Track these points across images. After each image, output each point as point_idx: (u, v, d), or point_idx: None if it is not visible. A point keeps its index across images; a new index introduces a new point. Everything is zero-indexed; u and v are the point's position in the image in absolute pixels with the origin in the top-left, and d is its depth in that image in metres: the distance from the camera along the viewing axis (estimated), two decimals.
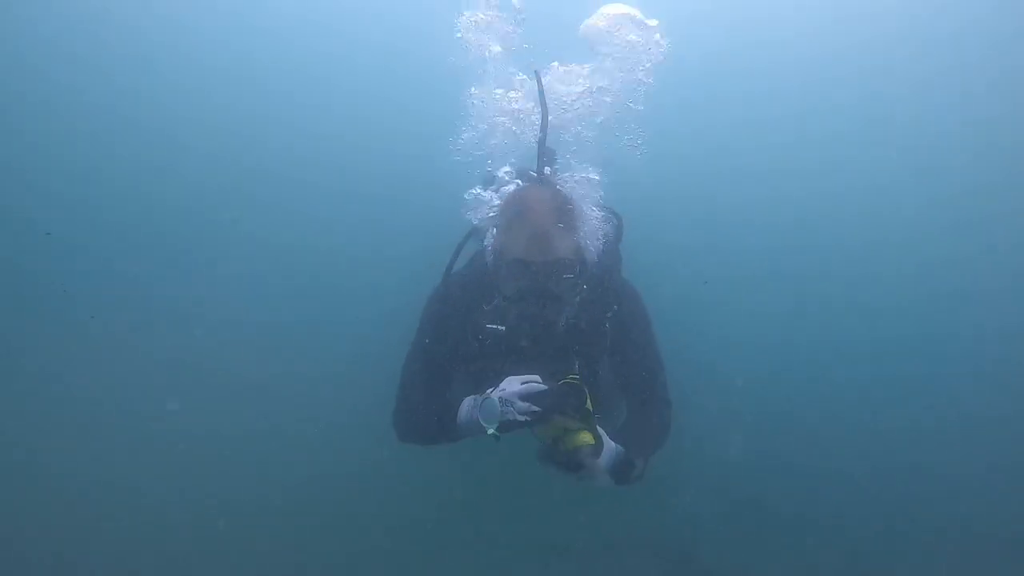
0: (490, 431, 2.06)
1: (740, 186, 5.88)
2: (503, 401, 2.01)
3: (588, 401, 2.09)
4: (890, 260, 5.80)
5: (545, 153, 2.63)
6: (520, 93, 3.26)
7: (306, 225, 5.94)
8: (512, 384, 2.06)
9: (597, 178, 3.17)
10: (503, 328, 2.26)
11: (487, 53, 3.30)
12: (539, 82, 2.61)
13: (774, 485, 4.88)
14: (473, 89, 3.30)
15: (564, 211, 2.25)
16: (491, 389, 2.08)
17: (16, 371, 5.02)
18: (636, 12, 3.30)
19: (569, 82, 3.22)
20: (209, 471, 4.56)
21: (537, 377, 2.08)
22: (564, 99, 3.15)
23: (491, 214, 2.56)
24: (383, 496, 4.35)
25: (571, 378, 2.11)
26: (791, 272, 5.65)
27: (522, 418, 2.00)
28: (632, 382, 2.45)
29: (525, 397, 2.01)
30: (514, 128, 3.24)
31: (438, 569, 4.14)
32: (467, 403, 2.24)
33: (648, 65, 3.29)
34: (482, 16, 3.31)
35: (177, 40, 5.89)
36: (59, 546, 4.15)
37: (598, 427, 2.14)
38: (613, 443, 2.19)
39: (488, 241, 2.48)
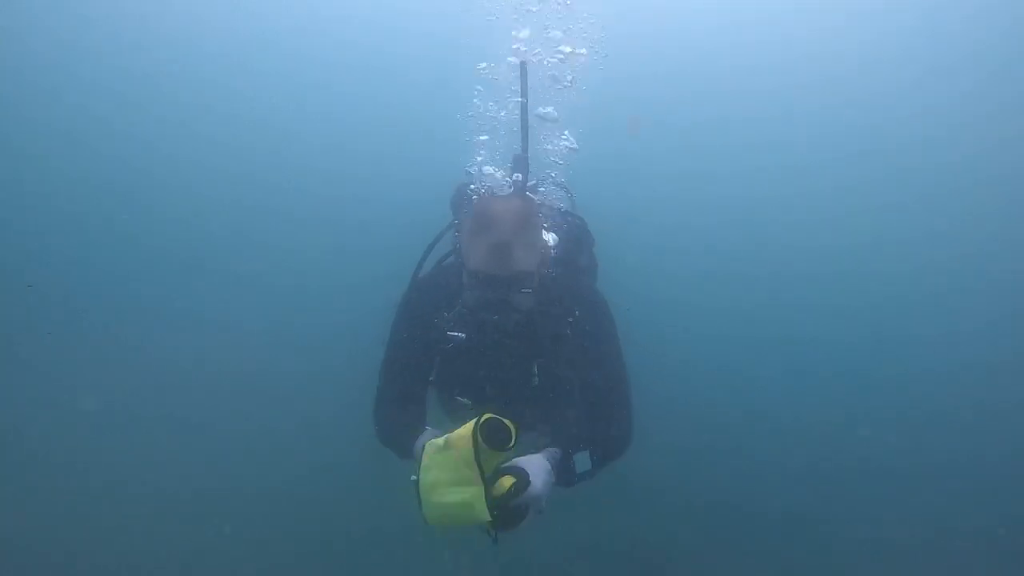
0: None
1: (725, 187, 5.93)
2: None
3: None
4: (870, 263, 5.83)
5: (524, 159, 2.64)
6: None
7: (302, 226, 5.96)
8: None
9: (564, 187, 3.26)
10: (463, 336, 2.30)
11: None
12: (523, 77, 2.48)
13: (746, 492, 4.92)
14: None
15: (527, 224, 2.25)
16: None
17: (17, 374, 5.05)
18: None
19: None
20: (205, 471, 4.64)
21: None
22: None
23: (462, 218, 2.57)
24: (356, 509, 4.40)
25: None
26: (774, 274, 5.69)
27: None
28: (593, 391, 2.40)
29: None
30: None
31: None
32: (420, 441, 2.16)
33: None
34: None
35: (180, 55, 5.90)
36: (58, 544, 4.18)
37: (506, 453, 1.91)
38: (537, 456, 2.06)
39: (457, 244, 2.52)
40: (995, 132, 5.89)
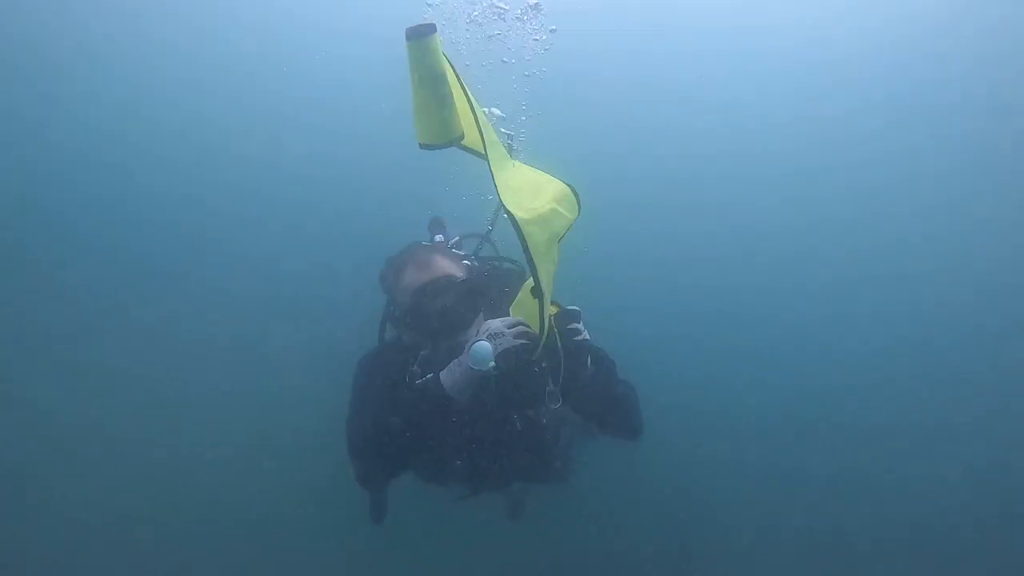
0: (489, 365, 1.99)
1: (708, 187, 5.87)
2: (492, 336, 2.02)
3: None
4: (856, 267, 5.77)
5: (440, 220, 2.88)
6: None
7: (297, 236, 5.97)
8: (492, 324, 2.08)
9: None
10: (431, 375, 2.19)
11: None
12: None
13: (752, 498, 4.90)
14: None
15: (444, 252, 2.47)
16: (473, 340, 2.07)
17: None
18: None
19: None
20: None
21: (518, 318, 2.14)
22: None
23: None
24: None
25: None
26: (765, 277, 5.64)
27: (519, 341, 2.01)
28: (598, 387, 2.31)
29: (512, 325, 2.05)
30: None
31: None
32: (448, 369, 2.15)
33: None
34: None
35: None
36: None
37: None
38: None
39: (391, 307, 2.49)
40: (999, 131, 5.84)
